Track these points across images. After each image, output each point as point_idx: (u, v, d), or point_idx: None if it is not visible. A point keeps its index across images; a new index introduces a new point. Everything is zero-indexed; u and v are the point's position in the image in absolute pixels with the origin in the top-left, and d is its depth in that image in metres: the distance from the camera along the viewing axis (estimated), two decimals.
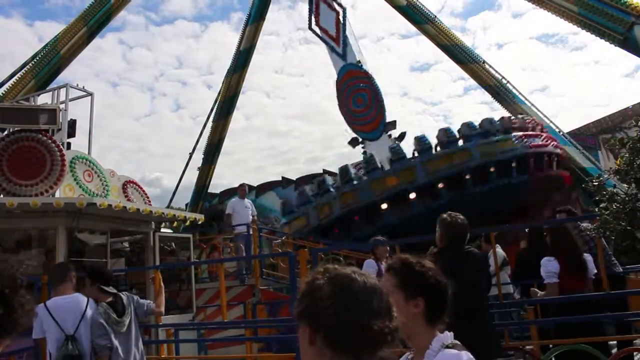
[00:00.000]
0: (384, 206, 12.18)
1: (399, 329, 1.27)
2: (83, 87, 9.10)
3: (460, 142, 12.40)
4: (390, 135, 13.81)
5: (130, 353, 4.65)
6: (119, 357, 4.53)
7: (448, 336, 1.74)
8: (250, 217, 11.10)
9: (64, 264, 5.06)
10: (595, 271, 5.07)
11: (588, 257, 5.02)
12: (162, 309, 5.18)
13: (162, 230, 9.63)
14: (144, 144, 71.14)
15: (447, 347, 1.69)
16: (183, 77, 74.63)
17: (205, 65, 75.56)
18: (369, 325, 1.20)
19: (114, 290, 4.80)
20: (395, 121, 13.86)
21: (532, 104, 14.11)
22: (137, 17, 77.51)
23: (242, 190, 11.70)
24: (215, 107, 16.97)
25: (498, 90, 14.14)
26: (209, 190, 17.94)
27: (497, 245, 6.26)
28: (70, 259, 7.20)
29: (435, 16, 14.85)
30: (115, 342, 4.52)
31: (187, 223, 9.47)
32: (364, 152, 13.67)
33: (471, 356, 1.67)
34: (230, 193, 17.95)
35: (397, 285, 1.81)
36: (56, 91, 8.67)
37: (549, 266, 5.01)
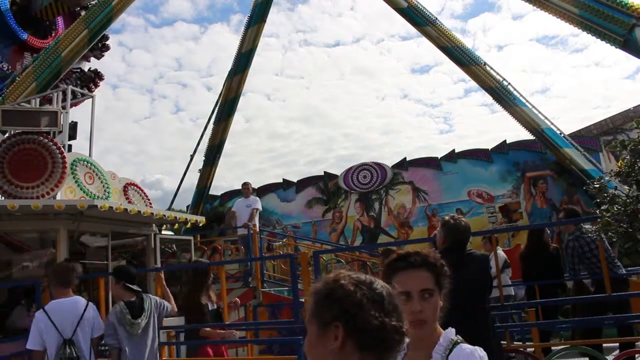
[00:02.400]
0: None
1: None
2: (84, 89, 9.11)
3: None
4: None
5: (143, 356, 4.63)
6: (145, 349, 4.52)
7: (453, 331, 1.75)
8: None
9: (66, 265, 5.03)
10: None
11: None
12: (176, 308, 5.33)
13: (163, 232, 9.63)
14: (144, 146, 71.22)
15: (457, 342, 1.69)
16: (183, 79, 74.72)
17: (205, 67, 75.64)
18: (401, 326, 1.24)
19: (139, 289, 4.82)
20: None
21: (533, 106, 14.11)
22: (136, 19, 77.64)
23: (245, 189, 11.56)
24: (216, 109, 16.98)
25: (499, 92, 14.13)
26: (210, 193, 17.95)
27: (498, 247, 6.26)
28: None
29: (436, 18, 14.85)
30: (125, 344, 4.50)
31: (188, 225, 9.46)
32: None
33: (484, 352, 1.68)
34: (231, 195, 17.96)
35: (436, 282, 1.77)
36: (57, 93, 8.68)
37: None
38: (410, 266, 1.79)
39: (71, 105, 10.58)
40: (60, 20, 12.86)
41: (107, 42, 13.80)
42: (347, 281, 1.27)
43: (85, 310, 4.62)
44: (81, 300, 4.68)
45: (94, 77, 13.12)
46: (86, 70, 13.16)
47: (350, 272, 1.33)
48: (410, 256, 1.82)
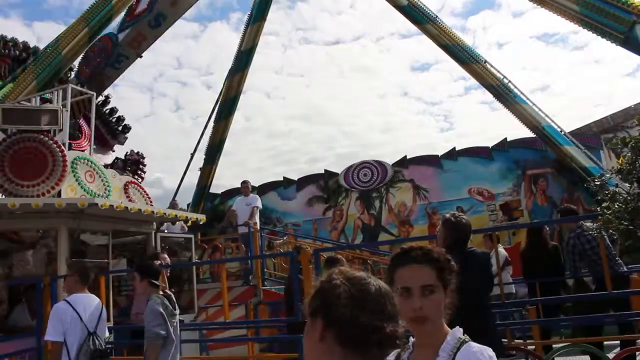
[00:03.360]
0: None
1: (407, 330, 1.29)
2: (84, 88, 9.11)
3: None
4: None
5: (178, 347, 4.64)
6: (176, 348, 4.50)
7: (460, 330, 1.73)
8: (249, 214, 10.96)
9: (84, 265, 5.00)
10: None
11: None
12: None
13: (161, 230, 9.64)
14: (144, 145, 71.16)
15: (464, 341, 1.68)
16: (182, 77, 74.50)
17: (204, 66, 75.48)
18: (381, 327, 1.24)
19: (161, 284, 4.80)
20: None
21: (534, 103, 14.09)
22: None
23: (244, 188, 11.60)
24: (216, 107, 16.97)
25: (499, 90, 14.10)
26: (211, 191, 17.95)
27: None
28: (72, 259, 7.21)
29: (437, 16, 14.83)
30: (172, 333, 4.48)
31: (189, 223, 9.47)
32: None
33: (493, 352, 1.66)
34: (231, 193, 17.96)
35: (439, 278, 1.74)
36: (58, 92, 8.68)
37: None
38: (411, 261, 1.76)
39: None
40: (83, 123, 11.20)
41: (127, 123, 13.40)
42: (337, 275, 1.30)
43: (102, 307, 4.70)
44: (97, 298, 4.74)
45: (138, 160, 12.62)
46: (122, 157, 12.66)
47: (350, 270, 1.34)
48: (413, 251, 1.79)
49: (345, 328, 1.23)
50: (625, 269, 6.41)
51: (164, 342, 4.38)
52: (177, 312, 4.64)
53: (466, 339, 1.69)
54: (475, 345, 1.66)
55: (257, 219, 11.13)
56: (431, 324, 1.69)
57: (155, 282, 4.61)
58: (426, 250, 1.79)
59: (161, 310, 4.39)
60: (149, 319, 4.38)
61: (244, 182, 11.67)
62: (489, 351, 1.65)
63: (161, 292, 4.61)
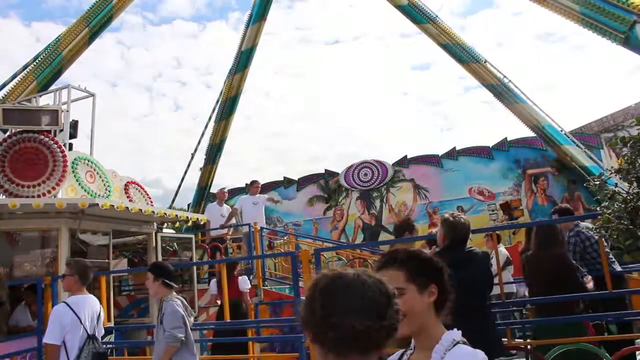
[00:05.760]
0: None
1: (394, 328, 1.27)
2: (85, 88, 9.10)
3: None
4: None
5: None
6: (194, 349, 4.46)
7: (458, 333, 1.69)
8: (256, 214, 10.91)
9: (85, 264, 4.91)
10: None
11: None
12: None
13: (164, 230, 9.65)
14: (144, 145, 71.19)
15: (458, 342, 1.64)
16: (182, 77, 74.67)
17: (204, 65, 75.58)
18: (338, 323, 1.20)
19: (175, 285, 4.70)
20: None
21: (534, 103, 14.08)
22: (134, 17, 77.56)
23: (254, 188, 11.49)
24: (217, 107, 16.97)
25: (499, 89, 14.09)
26: (211, 191, 17.95)
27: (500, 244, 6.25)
28: (72, 258, 7.20)
29: (437, 15, 14.81)
30: (191, 336, 4.43)
31: (190, 223, 9.47)
32: None
33: (485, 356, 1.62)
34: (232, 193, 17.97)
35: (408, 279, 1.71)
36: (58, 92, 8.69)
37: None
38: (382, 266, 1.77)
39: None
40: None
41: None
42: (317, 277, 1.32)
43: (100, 309, 4.67)
44: (95, 299, 4.71)
45: None
46: None
47: (335, 268, 1.33)
48: (385, 255, 1.81)
49: (313, 329, 1.24)
50: (620, 268, 6.41)
51: (183, 344, 4.29)
52: (194, 313, 4.60)
53: (461, 341, 1.65)
54: (467, 348, 1.62)
55: (263, 219, 11.12)
56: (401, 328, 1.60)
57: (169, 282, 4.49)
58: (394, 252, 1.78)
59: (182, 312, 4.31)
60: (169, 320, 4.26)
61: (255, 182, 11.57)
62: (480, 355, 1.61)
63: (174, 293, 4.53)
